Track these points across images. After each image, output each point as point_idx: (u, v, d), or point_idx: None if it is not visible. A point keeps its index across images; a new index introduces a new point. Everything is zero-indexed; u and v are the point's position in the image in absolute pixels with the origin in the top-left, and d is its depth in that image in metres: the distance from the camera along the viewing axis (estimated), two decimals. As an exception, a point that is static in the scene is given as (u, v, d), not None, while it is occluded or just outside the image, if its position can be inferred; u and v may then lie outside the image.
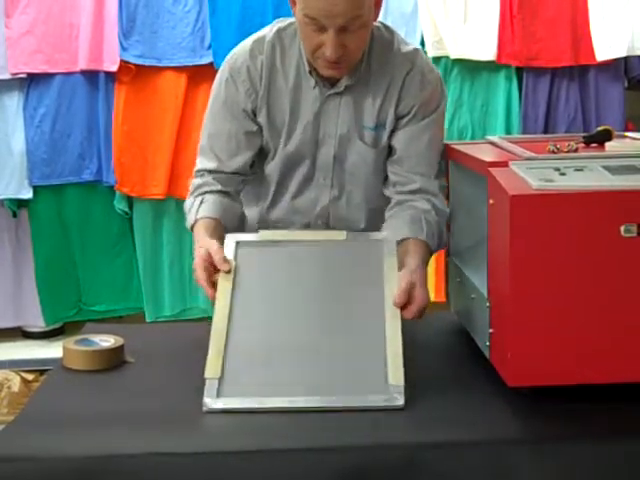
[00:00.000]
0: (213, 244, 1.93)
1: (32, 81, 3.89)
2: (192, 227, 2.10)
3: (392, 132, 2.14)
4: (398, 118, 2.13)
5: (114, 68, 3.85)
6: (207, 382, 1.70)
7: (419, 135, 2.12)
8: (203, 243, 1.96)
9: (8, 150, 3.92)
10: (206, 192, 2.13)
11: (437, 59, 3.94)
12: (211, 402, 1.67)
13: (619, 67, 4.01)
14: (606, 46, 3.92)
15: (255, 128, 2.14)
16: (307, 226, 2.22)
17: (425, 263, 2.01)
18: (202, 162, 2.18)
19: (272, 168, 2.19)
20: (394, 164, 2.15)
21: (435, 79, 2.14)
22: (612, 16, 3.91)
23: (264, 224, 2.23)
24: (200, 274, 1.89)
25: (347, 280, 1.92)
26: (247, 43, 2.13)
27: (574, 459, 1.54)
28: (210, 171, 2.16)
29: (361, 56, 2.06)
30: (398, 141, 2.14)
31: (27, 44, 3.84)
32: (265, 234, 2.01)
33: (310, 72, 2.08)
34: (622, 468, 1.54)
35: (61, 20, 3.87)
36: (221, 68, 2.17)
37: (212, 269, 1.89)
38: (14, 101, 3.91)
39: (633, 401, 1.66)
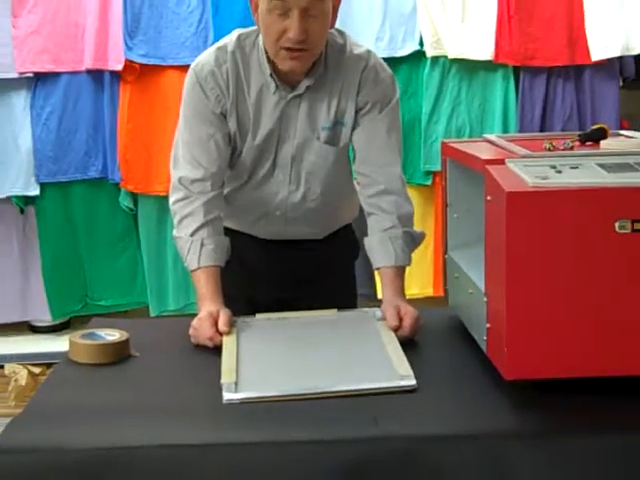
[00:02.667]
0: (223, 310, 2.04)
1: (39, 80, 3.89)
2: (192, 271, 2.15)
3: (352, 130, 2.21)
4: (356, 112, 2.19)
5: (119, 67, 3.86)
6: (224, 385, 1.72)
7: (377, 127, 2.20)
8: (209, 304, 2.07)
9: (15, 148, 3.92)
10: (200, 226, 2.15)
11: (435, 58, 3.94)
12: (230, 395, 1.69)
13: (614, 67, 4.00)
14: (601, 46, 3.92)
15: (227, 130, 2.19)
16: (265, 215, 2.30)
17: (401, 288, 2.15)
18: (183, 170, 2.18)
19: (239, 163, 2.23)
20: (360, 164, 2.23)
21: (387, 77, 2.22)
22: (607, 17, 3.91)
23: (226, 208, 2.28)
24: (208, 330, 1.98)
25: (342, 323, 2.11)
26: (211, 52, 2.18)
27: (570, 452, 1.54)
28: (193, 180, 2.17)
29: (319, 55, 2.12)
30: (359, 138, 2.21)
31: (34, 43, 3.84)
32: (261, 315, 2.15)
33: (271, 75, 2.13)
34: (617, 460, 1.53)
35: (67, 20, 3.86)
36: (188, 77, 2.19)
37: (216, 328, 2.00)
38: (21, 100, 3.91)
39: (628, 394, 1.66)
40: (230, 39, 2.17)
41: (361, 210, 2.34)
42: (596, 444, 1.55)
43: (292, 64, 2.08)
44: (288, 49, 2.04)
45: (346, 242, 2.46)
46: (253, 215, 2.33)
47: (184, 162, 2.19)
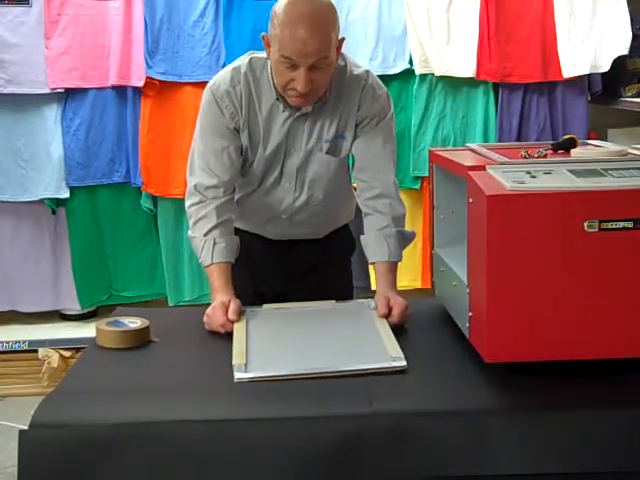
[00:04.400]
0: (234, 301, 2.04)
1: (69, 95, 3.89)
2: (206, 266, 2.15)
3: (352, 142, 2.20)
4: (356, 126, 2.19)
5: (141, 84, 3.86)
6: (235, 366, 1.73)
7: (374, 139, 2.19)
8: (221, 295, 2.06)
9: (48, 155, 3.92)
10: (213, 227, 2.14)
11: (424, 76, 3.94)
12: (240, 374, 1.70)
13: (583, 83, 4.00)
14: (572, 64, 3.91)
15: (240, 143, 2.18)
16: (272, 218, 2.30)
17: (393, 281, 2.14)
18: (198, 177, 2.18)
19: (250, 172, 2.23)
20: (359, 171, 2.23)
21: (383, 94, 2.21)
22: (577, 38, 3.91)
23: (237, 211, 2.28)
24: (220, 318, 1.99)
25: (340, 312, 2.10)
26: (226, 72, 2.16)
27: (540, 424, 1.55)
28: (207, 187, 2.16)
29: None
30: (358, 148, 2.21)
31: (64, 63, 3.83)
32: (268, 305, 2.15)
33: (278, 98, 2.12)
34: (581, 433, 1.54)
35: (94, 42, 3.86)
36: (206, 94, 2.18)
37: (227, 317, 2.00)
38: (53, 113, 3.91)
39: (592, 375, 1.67)
40: (243, 61, 2.16)
41: (357, 211, 2.34)
42: (563, 418, 1.56)
43: (299, 103, 2.08)
44: (295, 93, 2.04)
45: (344, 241, 2.46)
46: (262, 218, 2.32)
47: (199, 170, 2.18)
